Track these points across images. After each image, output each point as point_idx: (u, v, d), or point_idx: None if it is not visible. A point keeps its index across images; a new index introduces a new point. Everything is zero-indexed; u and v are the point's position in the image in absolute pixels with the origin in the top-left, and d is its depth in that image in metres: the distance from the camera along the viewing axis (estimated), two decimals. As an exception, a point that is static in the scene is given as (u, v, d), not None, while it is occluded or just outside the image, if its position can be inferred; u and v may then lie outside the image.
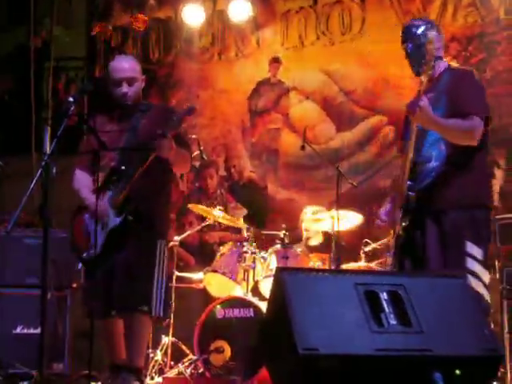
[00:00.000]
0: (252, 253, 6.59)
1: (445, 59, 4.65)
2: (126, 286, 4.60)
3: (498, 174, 7.59)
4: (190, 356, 6.43)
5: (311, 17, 8.84)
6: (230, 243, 6.90)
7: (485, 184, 4.39)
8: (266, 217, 8.55)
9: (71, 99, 4.42)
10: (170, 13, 9.35)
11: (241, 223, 6.99)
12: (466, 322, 3.18)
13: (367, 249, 6.84)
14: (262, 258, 6.64)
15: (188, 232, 7.34)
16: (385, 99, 8.21)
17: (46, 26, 9.16)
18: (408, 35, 4.56)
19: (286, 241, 6.76)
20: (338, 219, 6.38)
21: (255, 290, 6.55)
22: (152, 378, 6.20)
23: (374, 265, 6.65)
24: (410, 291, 3.18)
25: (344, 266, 6.50)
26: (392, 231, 4.49)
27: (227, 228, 7.54)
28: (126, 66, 5.00)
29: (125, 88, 4.91)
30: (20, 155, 8.56)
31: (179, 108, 4.81)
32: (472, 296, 3.34)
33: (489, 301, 4.20)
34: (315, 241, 7.27)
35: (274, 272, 5.96)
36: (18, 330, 6.10)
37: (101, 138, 4.49)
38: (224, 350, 6.08)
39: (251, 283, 6.49)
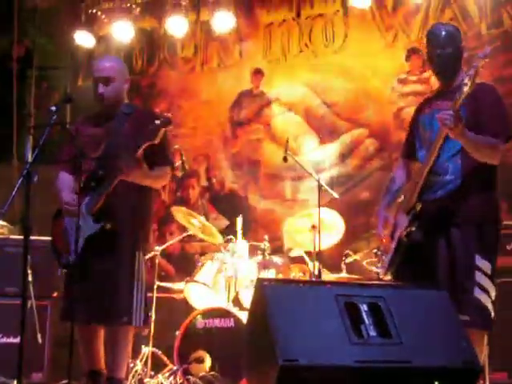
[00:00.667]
0: (233, 263, 6.59)
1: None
2: (105, 297, 4.58)
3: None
4: (170, 366, 6.43)
5: (294, 29, 8.88)
6: (211, 253, 6.90)
7: (495, 200, 4.35)
8: (246, 227, 8.56)
9: (53, 108, 4.42)
10: (154, 23, 9.36)
11: (216, 239, 6.98)
12: (446, 334, 3.20)
13: (348, 260, 6.86)
14: (243, 268, 6.64)
15: (169, 242, 7.35)
16: (366, 112, 8.26)
17: (30, 34, 9.14)
18: (451, 39, 4.41)
19: (267, 252, 6.76)
20: (320, 232, 6.41)
21: (236, 301, 6.55)
22: (132, 389, 6.19)
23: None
24: (390, 303, 3.20)
25: (325, 278, 6.52)
26: (386, 235, 4.49)
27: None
28: (104, 65, 4.94)
29: (100, 88, 4.84)
30: (1, 163, 8.54)
31: (161, 114, 4.74)
32: (452, 308, 3.36)
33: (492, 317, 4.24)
34: (296, 252, 7.29)
35: (254, 283, 5.99)
36: (-2, 339, 6.08)
37: (81, 146, 4.48)
38: (204, 361, 6.07)
39: (232, 294, 6.49)
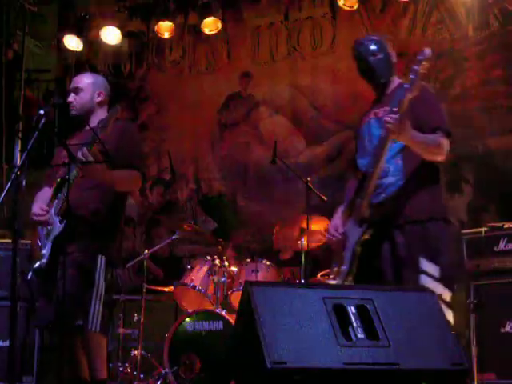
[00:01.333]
0: (222, 266, 6.61)
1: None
2: (61, 299, 4.57)
3: (467, 189, 7.67)
4: (160, 369, 6.43)
5: (282, 32, 8.90)
6: (201, 257, 6.91)
7: (439, 197, 4.31)
8: (235, 230, 8.57)
9: (42, 112, 4.43)
10: (142, 26, 9.36)
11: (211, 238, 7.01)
12: (434, 336, 3.21)
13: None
14: (232, 271, 6.66)
15: (158, 246, 7.35)
16: (354, 114, 8.27)
17: (18, 38, 9.12)
18: (382, 46, 4.45)
19: (256, 254, 6.78)
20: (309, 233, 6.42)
21: (225, 304, 6.57)
22: (121, 392, 6.20)
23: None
24: (378, 305, 3.21)
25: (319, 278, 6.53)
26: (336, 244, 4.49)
27: (197, 241, 7.55)
28: (78, 78, 5.06)
29: (70, 97, 4.91)
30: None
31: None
32: (440, 310, 3.38)
33: (449, 319, 3.94)
34: (286, 254, 7.31)
35: (243, 285, 6.00)
36: (-13, 343, 6.07)
37: (71, 151, 4.50)
38: (194, 363, 6.09)
39: (221, 296, 6.50)
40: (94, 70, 9.53)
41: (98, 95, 5.04)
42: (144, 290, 6.72)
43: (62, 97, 4.92)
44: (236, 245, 7.39)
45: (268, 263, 6.73)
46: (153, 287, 7.07)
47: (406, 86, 3.99)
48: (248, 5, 9.10)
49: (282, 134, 8.61)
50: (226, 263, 6.68)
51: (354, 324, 3.15)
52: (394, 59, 4.50)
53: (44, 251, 4.59)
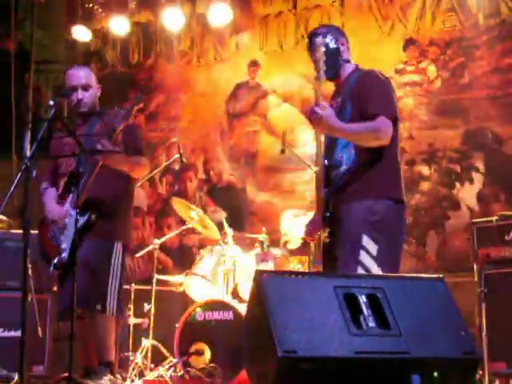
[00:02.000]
0: (232, 256, 6.61)
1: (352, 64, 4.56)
2: (81, 285, 4.62)
3: (477, 177, 7.65)
4: (170, 359, 6.45)
5: (290, 21, 8.87)
6: (210, 246, 6.91)
7: (388, 177, 4.21)
8: (244, 220, 8.57)
9: (51, 103, 4.44)
10: (150, 17, 9.36)
11: (214, 234, 6.98)
12: (445, 325, 3.20)
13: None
14: (242, 261, 6.66)
15: (168, 235, 7.36)
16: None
17: (25, 29, 9.12)
18: (319, 41, 4.35)
19: (266, 244, 6.77)
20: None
21: (235, 293, 6.57)
22: (132, 381, 6.20)
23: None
24: (389, 294, 3.21)
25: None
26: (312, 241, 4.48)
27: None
28: (81, 73, 5.12)
29: (79, 94, 5.01)
30: (0, 158, 8.55)
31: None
32: (451, 298, 3.37)
33: None
34: (294, 244, 7.29)
35: (253, 275, 5.99)
36: (-1, 333, 6.10)
37: (81, 142, 4.51)
38: (204, 353, 6.10)
39: (231, 286, 6.51)
40: (102, 60, 9.56)
41: (98, 89, 5.21)
42: (154, 280, 6.73)
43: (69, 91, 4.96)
44: (246, 234, 7.37)
45: (277, 252, 6.73)
46: (163, 277, 7.09)
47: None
48: (256, -6, 9.09)
49: (291, 123, 8.59)
50: (236, 253, 6.68)
51: (365, 313, 3.14)
52: (343, 47, 4.52)
53: (64, 245, 4.66)
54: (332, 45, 4.47)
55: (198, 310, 6.28)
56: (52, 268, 4.78)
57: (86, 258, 4.66)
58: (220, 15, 8.68)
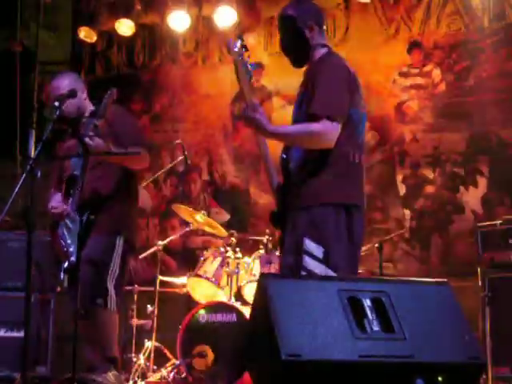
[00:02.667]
0: (235, 258, 6.61)
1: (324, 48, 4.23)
2: (84, 282, 4.63)
3: (481, 181, 7.64)
4: (173, 360, 6.45)
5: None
6: (214, 248, 6.91)
7: (335, 179, 3.92)
8: (248, 221, 8.57)
9: (56, 104, 4.44)
10: (156, 19, 9.36)
11: (222, 232, 6.98)
12: (449, 329, 3.20)
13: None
14: (246, 263, 6.65)
15: (172, 237, 7.36)
16: (367, 105, 8.23)
17: (31, 30, 9.14)
18: (285, 24, 4.17)
19: (270, 246, 6.76)
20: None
21: (238, 295, 6.57)
22: (135, 383, 6.20)
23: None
24: (394, 298, 3.20)
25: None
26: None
27: (210, 233, 7.55)
28: (60, 83, 5.10)
29: (67, 103, 4.80)
30: (5, 159, 8.56)
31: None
32: (456, 302, 3.36)
33: None
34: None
35: (257, 277, 6.00)
36: (1, 333, 6.09)
37: (84, 141, 4.52)
38: (207, 355, 6.10)
39: (234, 288, 6.50)
40: (108, 61, 9.57)
41: (83, 92, 5.19)
42: (158, 282, 6.73)
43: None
44: (249, 236, 7.37)
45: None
46: (166, 278, 7.09)
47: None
48: (261, -5, 9.09)
49: (296, 126, 8.57)
50: (239, 255, 6.68)
51: (370, 316, 3.13)
52: (311, 33, 4.14)
53: (71, 249, 4.67)
54: (297, 29, 4.13)
55: (202, 311, 6.28)
56: (62, 273, 4.79)
57: (87, 255, 4.67)
58: (225, 17, 8.68)
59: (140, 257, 7.22)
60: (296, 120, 4.10)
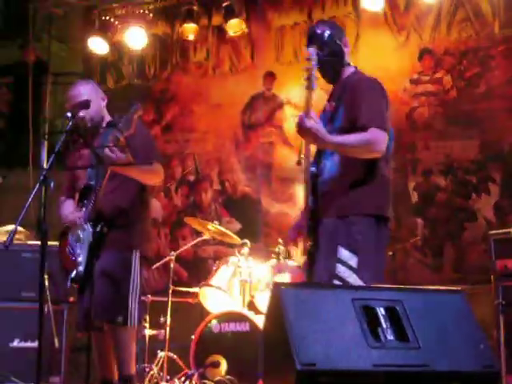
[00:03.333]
0: (247, 267, 6.60)
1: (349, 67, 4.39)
2: (101, 297, 4.62)
3: (493, 189, 7.61)
4: (186, 370, 6.44)
5: (306, 32, 8.86)
6: (226, 257, 6.91)
7: (371, 194, 4.07)
8: (259, 231, 8.57)
9: (69, 115, 4.46)
10: (167, 29, 9.40)
11: (235, 240, 6.98)
12: (464, 338, 3.19)
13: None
14: (258, 272, 6.64)
15: (184, 247, 7.36)
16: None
17: (43, 41, 9.18)
18: (319, 40, 4.25)
19: (282, 255, 6.76)
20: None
21: (251, 305, 6.56)
22: (148, 393, 6.21)
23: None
24: (408, 306, 3.20)
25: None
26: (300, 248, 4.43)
27: (222, 242, 7.55)
28: (75, 92, 5.05)
29: (82, 112, 4.85)
30: (17, 170, 8.59)
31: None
32: (470, 311, 3.35)
33: None
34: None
35: (269, 286, 5.99)
36: (15, 344, 6.11)
37: (97, 152, 4.52)
38: (220, 365, 6.09)
39: (247, 298, 6.50)
40: (118, 72, 9.60)
41: (103, 99, 5.16)
42: (170, 292, 6.73)
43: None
44: (261, 246, 7.37)
45: (294, 264, 6.71)
46: (179, 288, 7.09)
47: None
48: (271, 5, 9.09)
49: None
50: (252, 264, 6.67)
51: (384, 325, 3.13)
52: (346, 49, 4.32)
53: (80, 259, 4.65)
54: (336, 47, 4.29)
55: (214, 321, 6.28)
56: (69, 282, 4.78)
57: (105, 270, 4.66)
58: (235, 26, 8.70)
59: (152, 267, 7.23)
60: None
